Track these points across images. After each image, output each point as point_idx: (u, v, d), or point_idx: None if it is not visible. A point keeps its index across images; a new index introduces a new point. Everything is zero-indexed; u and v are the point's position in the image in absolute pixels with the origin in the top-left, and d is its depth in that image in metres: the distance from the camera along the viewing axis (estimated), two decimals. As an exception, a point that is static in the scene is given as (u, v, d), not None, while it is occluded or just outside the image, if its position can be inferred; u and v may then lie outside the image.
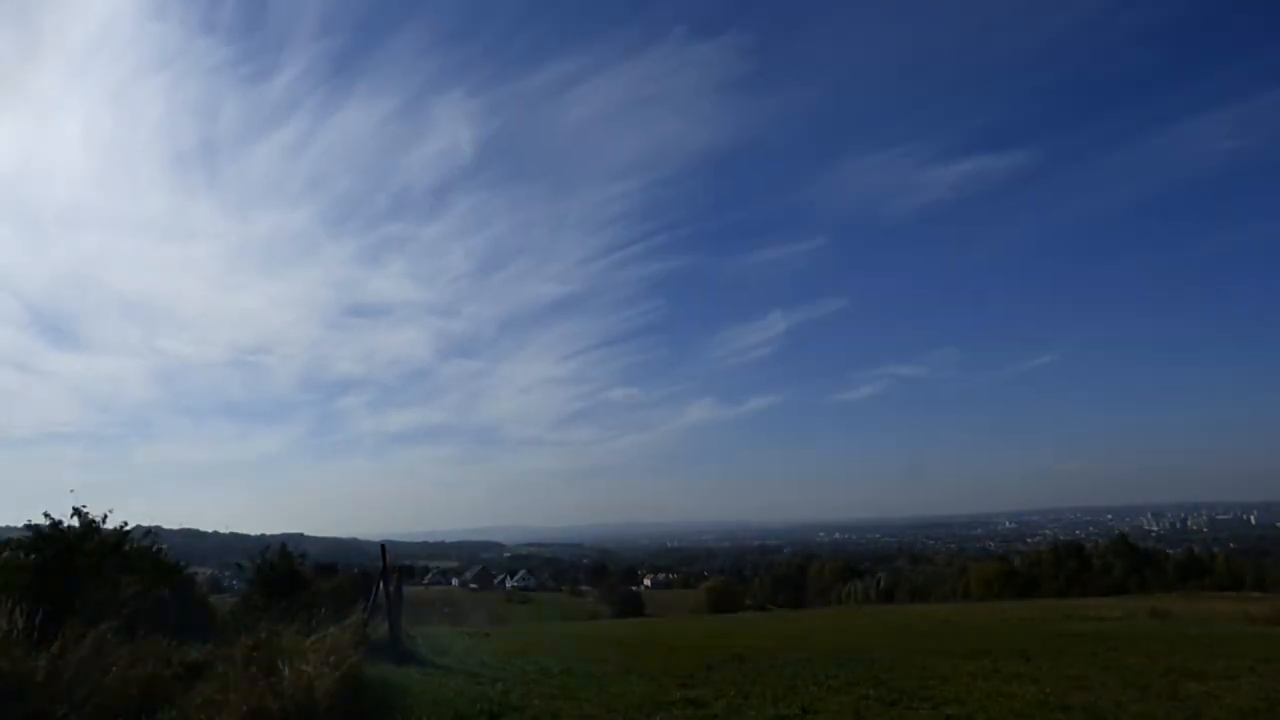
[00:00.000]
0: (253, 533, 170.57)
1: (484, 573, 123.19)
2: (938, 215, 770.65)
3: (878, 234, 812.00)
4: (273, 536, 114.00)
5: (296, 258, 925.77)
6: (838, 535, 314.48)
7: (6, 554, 9.80)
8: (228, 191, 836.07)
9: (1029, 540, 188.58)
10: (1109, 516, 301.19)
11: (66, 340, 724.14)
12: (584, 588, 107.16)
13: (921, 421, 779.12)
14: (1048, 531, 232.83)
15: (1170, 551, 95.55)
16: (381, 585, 10.87)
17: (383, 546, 11.68)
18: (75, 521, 10.31)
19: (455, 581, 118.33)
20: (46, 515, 10.21)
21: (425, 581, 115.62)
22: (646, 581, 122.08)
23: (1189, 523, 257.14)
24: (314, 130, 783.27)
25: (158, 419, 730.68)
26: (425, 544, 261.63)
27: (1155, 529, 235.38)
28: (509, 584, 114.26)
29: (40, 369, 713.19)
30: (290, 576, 13.77)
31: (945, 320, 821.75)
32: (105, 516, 10.61)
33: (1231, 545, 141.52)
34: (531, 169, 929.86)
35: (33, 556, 9.73)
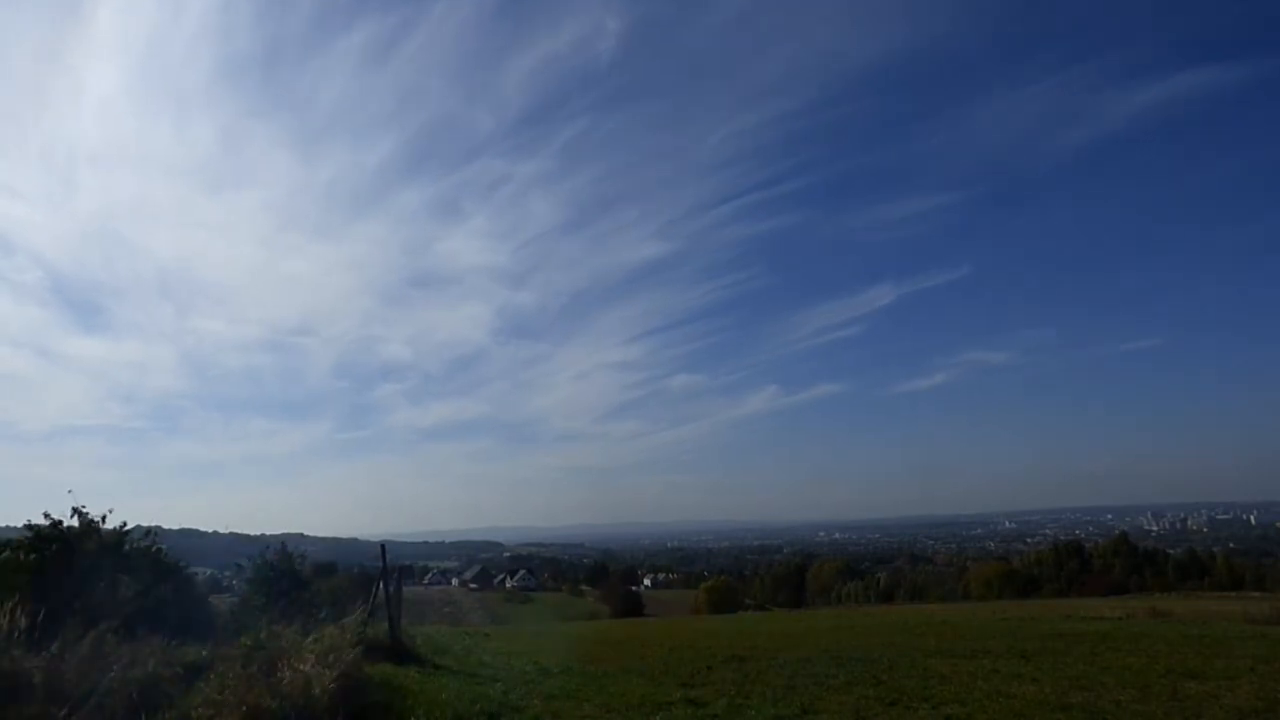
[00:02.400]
0: (253, 533, 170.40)
1: (484, 573, 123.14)
2: (1104, 154, 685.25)
3: (1028, 182, 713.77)
4: (273, 536, 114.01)
5: (361, 208, 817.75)
6: (838, 535, 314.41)
7: (6, 554, 9.80)
8: (289, 118, 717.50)
9: (1029, 540, 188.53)
10: (1109, 516, 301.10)
11: (90, 319, 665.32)
12: (584, 588, 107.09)
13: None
14: (1048, 531, 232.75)
15: (1170, 551, 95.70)
16: (381, 585, 10.86)
17: (383, 546, 11.66)
18: (75, 521, 10.32)
19: (455, 581, 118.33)
20: (46, 515, 10.22)
21: (425, 581, 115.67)
22: (646, 581, 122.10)
23: (1189, 523, 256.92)
24: (404, 28, 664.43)
25: (184, 411, 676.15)
26: (425, 544, 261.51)
27: (1155, 529, 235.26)
28: (509, 584, 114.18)
29: (60, 353, 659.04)
30: (290, 576, 13.76)
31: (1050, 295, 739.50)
32: (105, 516, 10.62)
33: (1231, 545, 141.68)
34: (663, 80, 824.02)
35: (33, 556, 9.73)
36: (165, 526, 13.12)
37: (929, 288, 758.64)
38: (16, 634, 6.13)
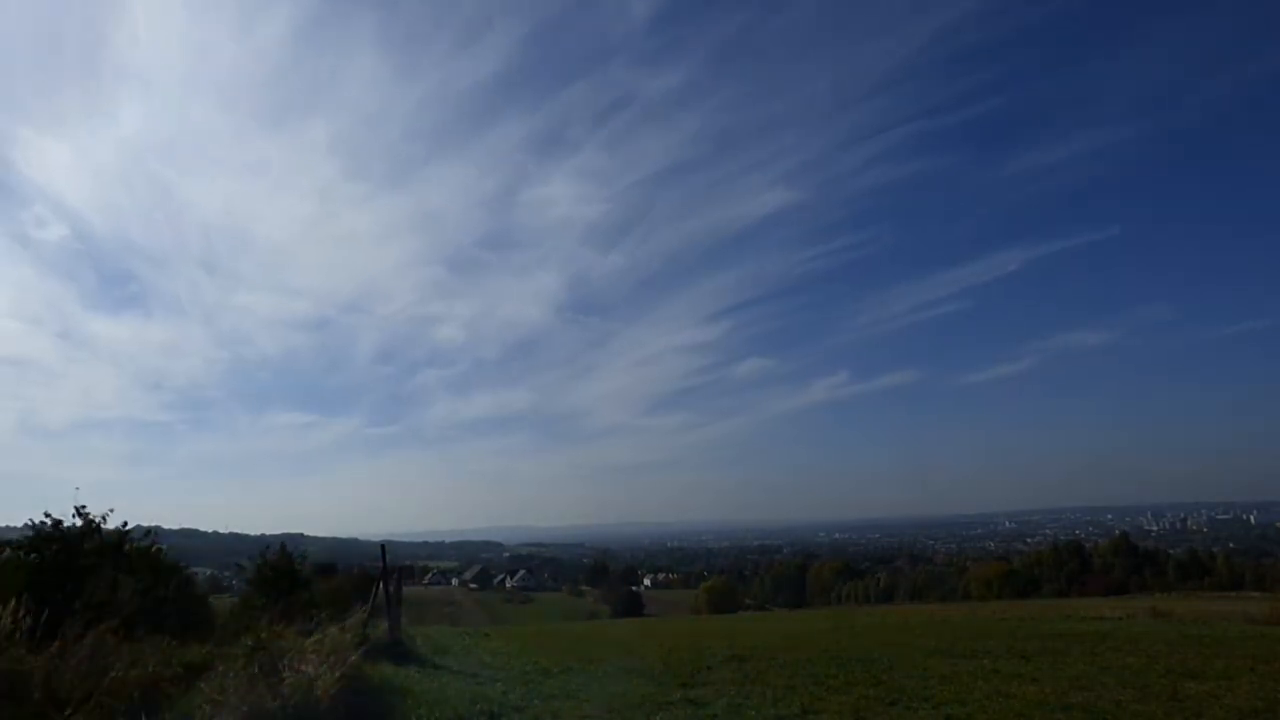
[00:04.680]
0: (253, 533, 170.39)
1: (484, 573, 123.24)
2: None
3: (1220, 116, 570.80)
4: (273, 536, 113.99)
5: (445, 144, 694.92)
6: (838, 535, 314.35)
7: (7, 554, 9.81)
8: (377, 17, 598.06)
9: (1029, 540, 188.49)
10: (1109, 516, 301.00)
11: (118, 291, 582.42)
12: (584, 588, 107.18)
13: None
14: (1048, 531, 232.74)
15: (1170, 551, 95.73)
16: (381, 585, 10.87)
17: (383, 546, 11.68)
18: (76, 521, 10.33)
19: (455, 581, 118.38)
20: (47, 515, 10.23)
21: (425, 581, 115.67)
22: (646, 581, 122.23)
23: (1189, 523, 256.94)
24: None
25: (213, 402, 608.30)
26: (425, 544, 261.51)
27: (1155, 529, 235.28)
28: (509, 584, 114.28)
29: (82, 335, 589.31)
30: (290, 576, 13.78)
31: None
32: (105, 516, 10.64)
33: (1231, 545, 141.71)
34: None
35: (33, 556, 9.74)
36: (165, 526, 13.14)
37: (1064, 250, 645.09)
38: (17, 634, 6.13)
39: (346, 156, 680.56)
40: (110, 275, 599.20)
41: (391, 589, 10.73)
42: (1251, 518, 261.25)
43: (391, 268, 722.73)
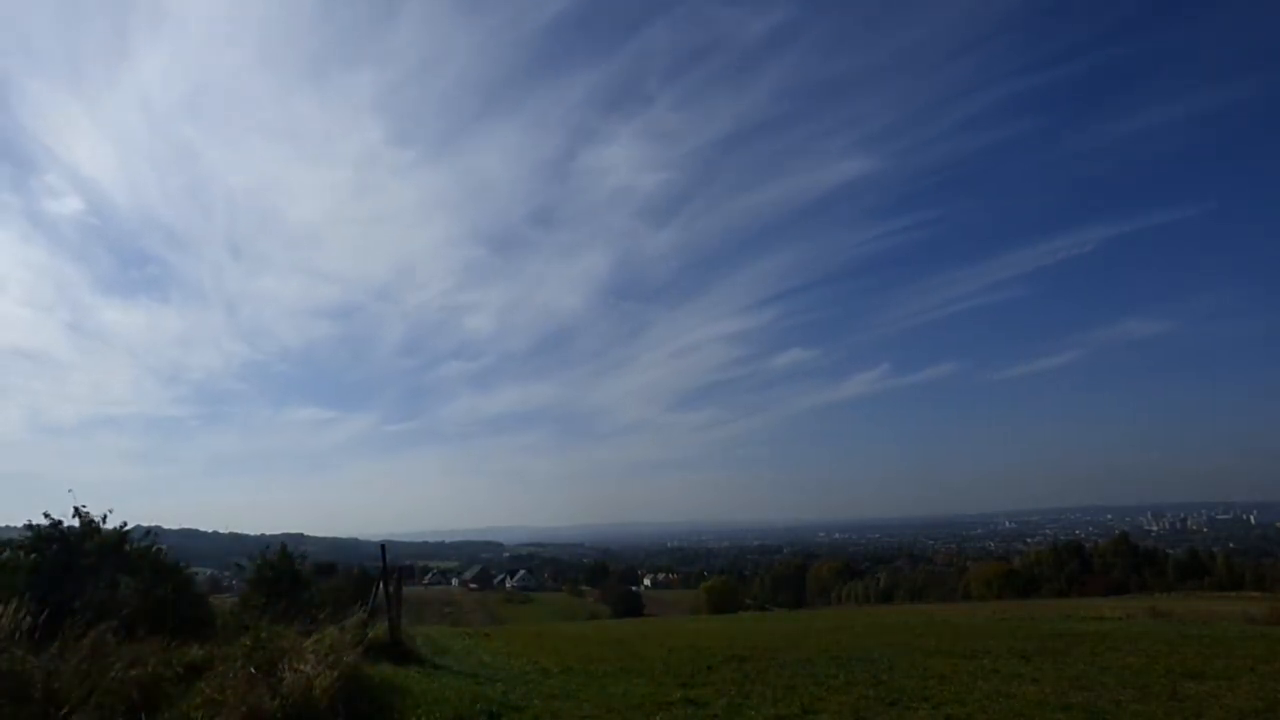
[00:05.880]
0: (252, 533, 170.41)
1: (484, 573, 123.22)
2: None
3: None
4: (273, 536, 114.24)
5: (503, 99, 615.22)
6: (837, 535, 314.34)
7: (6, 554, 9.80)
8: None
9: (1029, 540, 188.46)
10: (1109, 516, 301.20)
11: (134, 274, 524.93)
12: (584, 588, 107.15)
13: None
14: (1048, 531, 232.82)
15: (1170, 551, 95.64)
16: (381, 585, 10.87)
17: (383, 546, 11.67)
18: (75, 521, 10.32)
19: (455, 581, 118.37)
20: (46, 515, 10.22)
21: (425, 581, 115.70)
22: (646, 581, 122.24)
23: (1189, 523, 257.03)
24: None
25: (230, 395, 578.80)
26: (425, 544, 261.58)
27: (1155, 529, 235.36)
28: (509, 584, 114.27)
29: (95, 325, 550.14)
30: (290, 576, 13.75)
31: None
32: (105, 516, 10.63)
33: (1231, 545, 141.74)
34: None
35: (33, 556, 9.73)
36: (165, 526, 13.12)
37: (1146, 228, 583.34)
38: (17, 634, 6.13)
39: (392, 117, 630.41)
40: (127, 256, 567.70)
41: (391, 589, 10.73)
42: (1251, 518, 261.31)
43: (429, 248, 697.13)
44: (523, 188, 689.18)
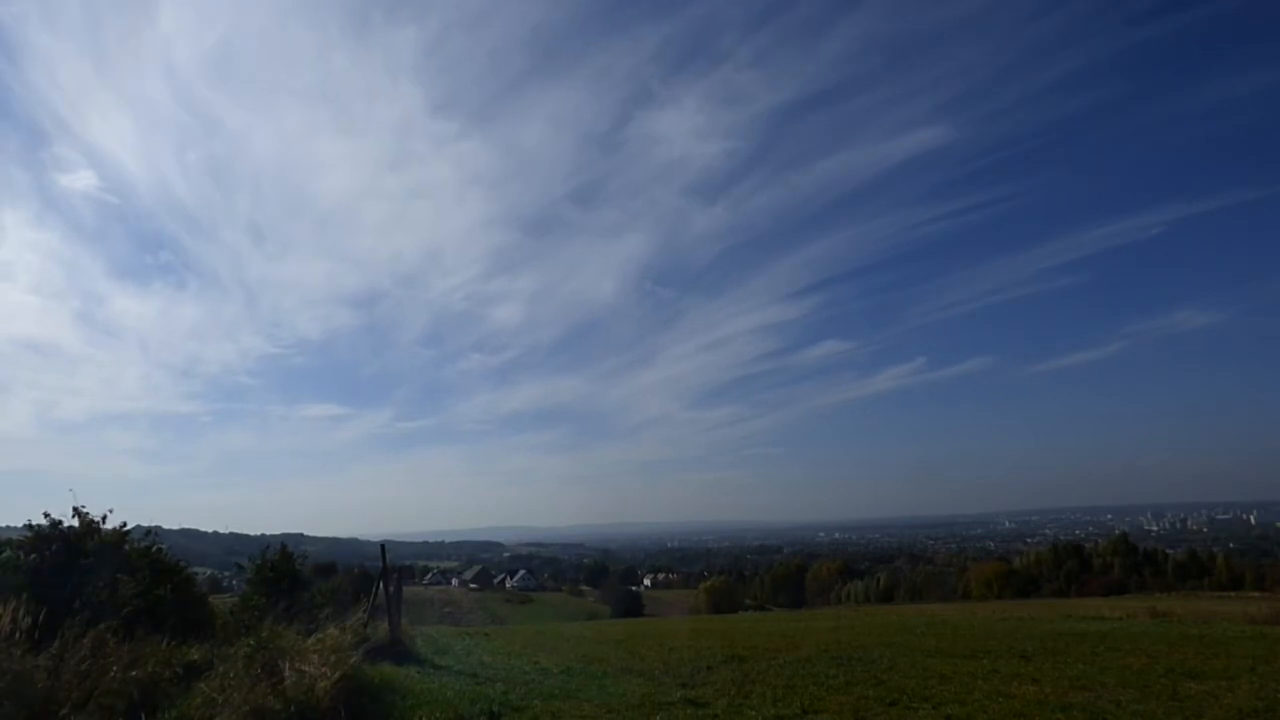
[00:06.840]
0: (253, 533, 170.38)
1: (484, 573, 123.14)
2: None
3: None
4: (273, 536, 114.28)
5: (561, 54, 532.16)
6: (837, 535, 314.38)
7: (7, 554, 9.80)
8: None
9: (1029, 540, 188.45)
10: (1109, 516, 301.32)
11: (148, 259, 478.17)
12: (584, 588, 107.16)
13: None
14: (1048, 531, 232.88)
15: (1170, 551, 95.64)
16: (381, 585, 10.87)
17: (383, 546, 11.68)
18: (75, 521, 10.31)
19: (455, 581, 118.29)
20: (46, 515, 10.21)
21: (425, 581, 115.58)
22: (646, 581, 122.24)
23: (1189, 523, 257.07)
24: None
25: (244, 390, 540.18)
26: (425, 544, 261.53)
27: (1155, 529, 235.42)
28: (509, 584, 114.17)
29: (106, 316, 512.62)
30: (290, 576, 13.75)
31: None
32: (105, 516, 10.62)
33: (1231, 545, 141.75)
34: None
35: (33, 556, 9.73)
36: (165, 526, 13.11)
37: (1217, 210, 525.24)
38: (17, 634, 6.13)
39: (434, 79, 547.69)
40: (144, 238, 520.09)
41: (391, 589, 10.73)
42: (1251, 518, 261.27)
43: (462, 230, 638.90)
44: (567, 162, 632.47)
